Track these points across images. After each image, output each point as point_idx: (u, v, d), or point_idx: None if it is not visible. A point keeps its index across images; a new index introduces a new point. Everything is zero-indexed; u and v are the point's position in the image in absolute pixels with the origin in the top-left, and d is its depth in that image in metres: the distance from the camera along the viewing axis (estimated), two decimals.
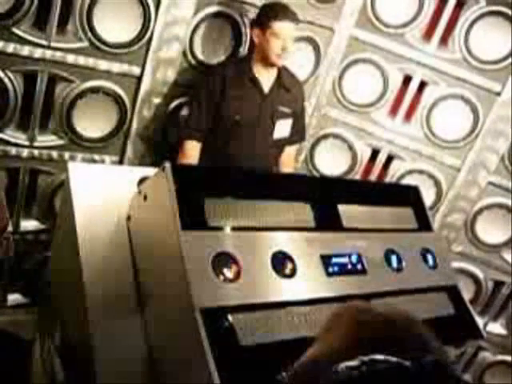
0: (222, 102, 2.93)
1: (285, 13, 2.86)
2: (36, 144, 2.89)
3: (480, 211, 3.64)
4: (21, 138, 2.85)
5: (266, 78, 2.99)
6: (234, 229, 1.69)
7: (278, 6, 2.93)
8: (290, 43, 2.88)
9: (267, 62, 2.94)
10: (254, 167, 2.91)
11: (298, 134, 3.22)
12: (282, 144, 3.16)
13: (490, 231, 3.68)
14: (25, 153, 2.88)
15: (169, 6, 2.86)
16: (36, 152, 2.90)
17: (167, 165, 1.65)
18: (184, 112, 3.15)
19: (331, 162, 3.70)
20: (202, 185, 1.72)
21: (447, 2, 3.39)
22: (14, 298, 3.15)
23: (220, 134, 2.99)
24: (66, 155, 2.97)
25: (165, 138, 3.20)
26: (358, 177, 3.71)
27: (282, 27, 2.83)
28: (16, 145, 2.84)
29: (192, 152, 2.97)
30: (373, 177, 3.73)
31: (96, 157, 3.05)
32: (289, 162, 3.28)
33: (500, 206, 3.62)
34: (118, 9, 2.77)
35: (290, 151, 3.27)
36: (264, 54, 2.92)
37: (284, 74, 3.05)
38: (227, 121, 2.95)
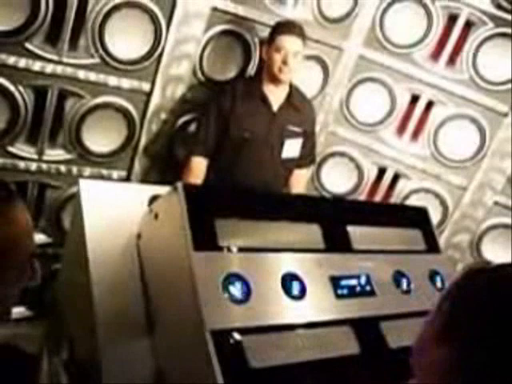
0: (230, 119, 2.92)
1: (288, 27, 2.88)
2: (45, 158, 2.89)
3: (486, 231, 3.63)
4: (30, 151, 2.85)
5: (275, 96, 2.99)
6: (244, 250, 1.69)
7: (284, 22, 2.96)
8: (292, 58, 2.85)
9: (273, 78, 2.94)
10: (262, 186, 2.90)
11: (307, 156, 3.18)
12: (290, 165, 3.11)
13: (496, 252, 3.65)
14: (33, 166, 2.88)
15: (180, 23, 2.88)
16: (44, 166, 2.91)
17: (179, 184, 1.66)
18: (192, 128, 3.17)
19: (337, 180, 3.69)
20: (214, 205, 1.72)
21: (456, 23, 3.41)
22: (18, 310, 3.13)
23: (228, 152, 2.97)
24: (74, 169, 2.97)
25: (172, 154, 3.20)
26: (363, 195, 3.70)
27: (282, 40, 2.84)
28: (25, 158, 2.85)
29: (198, 168, 2.95)
30: (379, 195, 3.72)
31: (104, 171, 3.06)
32: (298, 185, 3.22)
33: (506, 226, 3.60)
34: (130, 25, 2.79)
35: (299, 174, 3.21)
36: (269, 69, 2.92)
37: (294, 94, 3.04)
38: (235, 138, 2.94)
